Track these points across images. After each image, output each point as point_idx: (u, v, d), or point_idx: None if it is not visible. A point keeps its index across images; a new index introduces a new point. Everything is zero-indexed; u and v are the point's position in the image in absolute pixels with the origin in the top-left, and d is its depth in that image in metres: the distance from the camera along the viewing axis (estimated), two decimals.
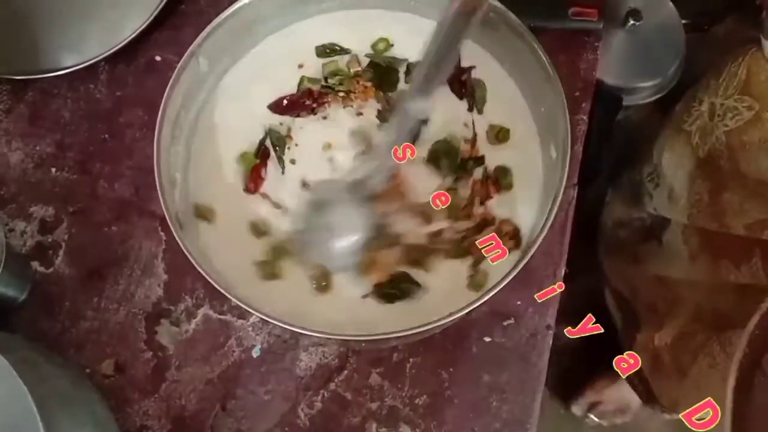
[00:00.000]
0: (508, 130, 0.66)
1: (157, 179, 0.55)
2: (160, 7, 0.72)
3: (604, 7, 0.76)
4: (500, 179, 0.65)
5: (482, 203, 0.64)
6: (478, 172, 0.65)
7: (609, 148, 1.03)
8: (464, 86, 0.67)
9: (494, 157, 0.65)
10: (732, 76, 0.75)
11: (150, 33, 0.74)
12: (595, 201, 1.10)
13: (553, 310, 0.69)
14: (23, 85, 0.74)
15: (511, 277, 0.55)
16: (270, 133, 0.65)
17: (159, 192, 0.55)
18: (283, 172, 0.65)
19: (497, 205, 0.64)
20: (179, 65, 0.58)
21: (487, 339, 0.67)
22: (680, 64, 1.06)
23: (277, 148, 0.65)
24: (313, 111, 0.66)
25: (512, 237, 0.63)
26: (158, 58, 0.74)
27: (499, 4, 0.61)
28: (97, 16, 0.74)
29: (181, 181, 0.61)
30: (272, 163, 0.65)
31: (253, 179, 0.64)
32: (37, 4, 0.75)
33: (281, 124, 0.66)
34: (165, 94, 0.57)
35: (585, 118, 0.75)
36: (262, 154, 0.65)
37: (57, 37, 0.73)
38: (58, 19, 0.74)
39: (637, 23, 1.02)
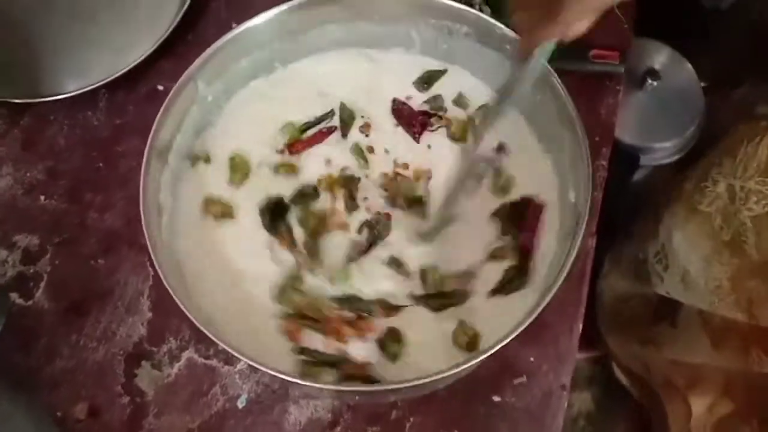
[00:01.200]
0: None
1: (141, 204, 0.52)
2: (165, 36, 0.70)
3: (626, 50, 0.73)
4: None
5: None
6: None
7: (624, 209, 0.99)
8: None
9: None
10: (750, 157, 0.71)
11: (154, 62, 0.71)
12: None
13: (568, 368, 0.63)
14: (20, 110, 0.71)
15: (522, 328, 0.50)
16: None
17: (142, 215, 0.51)
18: None
19: None
20: (174, 89, 0.55)
21: (496, 398, 0.62)
22: (699, 126, 1.04)
23: None
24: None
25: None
26: (160, 88, 0.72)
27: (515, 35, 0.58)
28: (101, 43, 0.73)
29: (169, 208, 0.57)
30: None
31: None
32: (41, 28, 0.74)
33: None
34: (157, 117, 0.54)
35: (605, 164, 0.71)
36: None
37: (59, 62, 0.72)
38: (62, 44, 0.73)
39: (655, 83, 1.01)
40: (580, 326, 0.65)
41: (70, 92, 0.68)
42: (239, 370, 0.62)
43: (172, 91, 0.56)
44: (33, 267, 0.65)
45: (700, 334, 0.80)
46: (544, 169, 0.63)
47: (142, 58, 0.69)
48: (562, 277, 0.52)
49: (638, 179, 1.08)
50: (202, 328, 0.50)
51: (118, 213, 0.67)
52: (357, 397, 0.60)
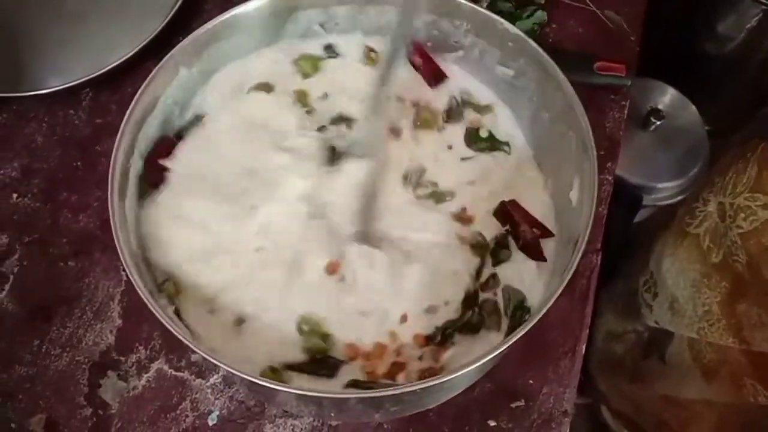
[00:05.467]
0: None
1: (109, 192, 0.48)
2: (151, 37, 0.68)
3: (632, 63, 0.71)
4: None
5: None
6: None
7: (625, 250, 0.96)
8: None
9: None
10: (740, 173, 0.68)
11: (141, 62, 0.68)
12: None
13: (571, 392, 0.58)
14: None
15: (502, 349, 0.44)
16: None
17: (110, 203, 0.47)
18: None
19: None
20: (157, 67, 0.53)
21: (492, 423, 0.57)
22: (703, 167, 1.02)
23: None
24: None
25: None
26: None
27: (525, 37, 0.54)
28: (88, 41, 0.71)
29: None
30: None
31: None
32: (27, 24, 0.71)
33: None
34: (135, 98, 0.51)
35: (610, 178, 0.67)
36: None
37: (43, 59, 0.69)
38: (47, 41, 0.70)
39: (659, 123, 1.00)
40: (584, 347, 0.60)
41: (50, 88, 0.65)
42: (212, 384, 0.57)
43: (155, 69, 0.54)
44: None
45: (691, 367, 0.75)
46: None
47: (125, 58, 0.66)
48: (560, 289, 0.47)
49: (640, 220, 1.05)
50: (173, 330, 0.45)
51: (92, 214, 0.64)
52: (334, 417, 0.55)
